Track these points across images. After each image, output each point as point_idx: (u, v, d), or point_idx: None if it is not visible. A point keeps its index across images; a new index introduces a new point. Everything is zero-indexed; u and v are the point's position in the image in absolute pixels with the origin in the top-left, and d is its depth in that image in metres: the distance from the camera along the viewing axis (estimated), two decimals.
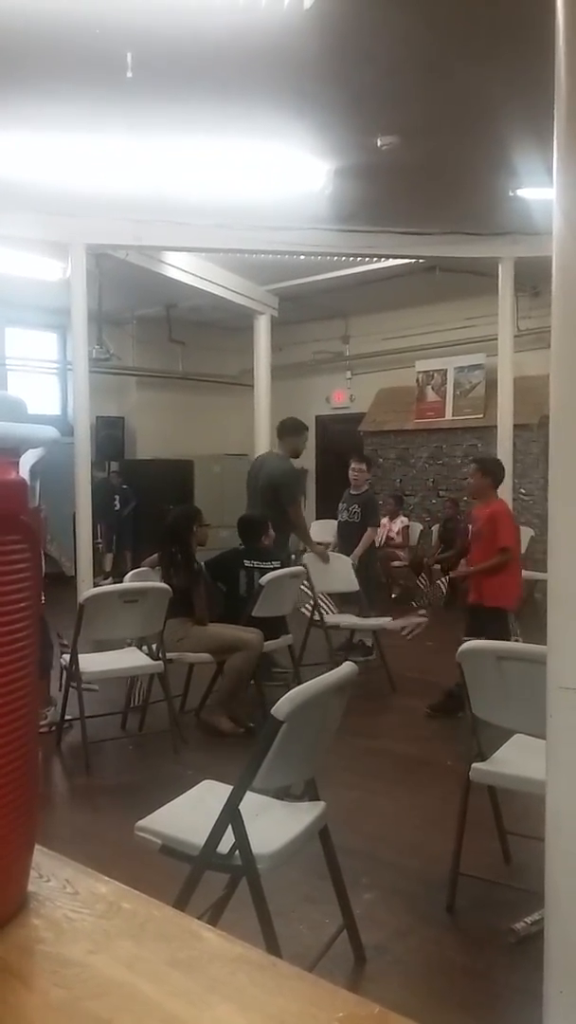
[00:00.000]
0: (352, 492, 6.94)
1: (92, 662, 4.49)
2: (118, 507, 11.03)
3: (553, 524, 1.88)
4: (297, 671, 5.25)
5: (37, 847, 0.79)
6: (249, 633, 4.80)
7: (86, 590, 5.36)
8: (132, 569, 5.73)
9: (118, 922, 0.72)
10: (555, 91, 1.86)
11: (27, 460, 0.68)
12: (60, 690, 4.47)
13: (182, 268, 8.75)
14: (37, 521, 0.71)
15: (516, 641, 4.73)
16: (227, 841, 2.14)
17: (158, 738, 4.62)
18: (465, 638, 5.10)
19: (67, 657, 4.35)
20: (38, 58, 4.27)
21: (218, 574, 5.24)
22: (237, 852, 2.13)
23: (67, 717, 4.53)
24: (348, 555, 6.33)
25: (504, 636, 4.76)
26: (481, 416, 9.93)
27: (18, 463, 0.68)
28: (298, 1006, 0.61)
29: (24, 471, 0.68)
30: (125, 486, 11.20)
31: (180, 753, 4.44)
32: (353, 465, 6.95)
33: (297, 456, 6.14)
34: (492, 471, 5.26)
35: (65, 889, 0.77)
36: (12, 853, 0.72)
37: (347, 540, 6.67)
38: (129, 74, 4.14)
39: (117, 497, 11.05)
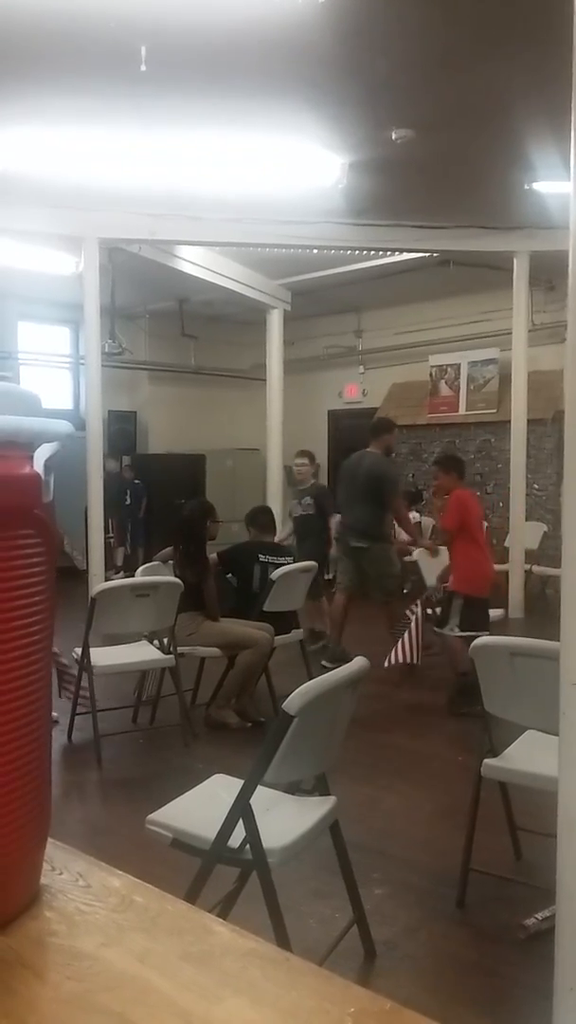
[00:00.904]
0: (300, 488, 7.01)
1: (104, 656, 4.51)
2: (129, 502, 11.05)
3: (567, 519, 1.87)
4: (308, 666, 5.25)
5: (50, 840, 0.79)
6: (260, 630, 4.80)
7: (98, 584, 5.37)
8: (144, 563, 5.75)
9: (130, 916, 0.72)
10: (573, 84, 1.85)
11: (42, 454, 0.68)
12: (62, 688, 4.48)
13: (195, 262, 8.76)
14: (51, 515, 0.71)
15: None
16: (238, 835, 2.15)
17: (169, 732, 4.64)
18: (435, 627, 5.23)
19: (78, 650, 4.37)
20: (51, 52, 4.27)
21: (231, 567, 5.24)
22: (248, 846, 2.14)
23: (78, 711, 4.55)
24: (307, 549, 6.40)
25: (467, 623, 4.90)
26: (495, 411, 9.89)
27: (33, 457, 0.67)
28: (310, 1001, 0.61)
29: (39, 465, 0.68)
30: (137, 481, 11.22)
31: (191, 747, 4.45)
32: (296, 460, 7.01)
33: (391, 453, 6.34)
34: (454, 467, 5.51)
35: (78, 882, 0.77)
36: (25, 846, 0.73)
37: (305, 534, 6.76)
38: (143, 67, 4.14)
39: (128, 492, 11.08)
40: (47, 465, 0.68)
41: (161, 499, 10.86)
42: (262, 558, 5.22)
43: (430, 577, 6.19)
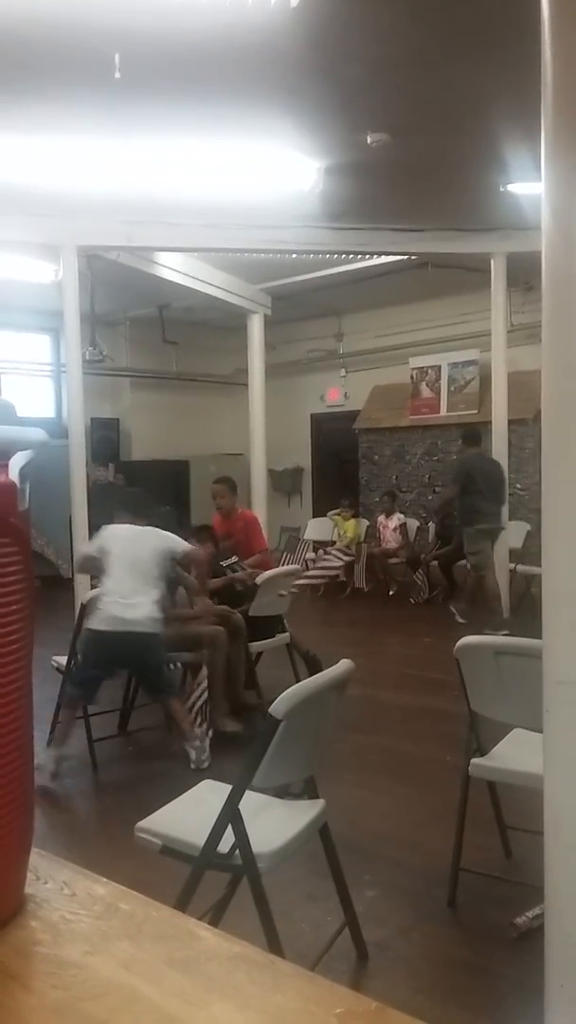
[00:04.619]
0: None
1: None
2: None
3: (546, 519, 1.88)
4: (295, 670, 5.24)
5: (34, 850, 0.79)
6: (209, 628, 4.66)
7: (84, 591, 5.35)
8: None
9: (116, 923, 0.72)
10: (541, 86, 1.86)
11: (16, 463, 0.67)
12: None
13: (174, 268, 8.74)
14: (27, 524, 0.71)
15: None
16: (227, 840, 2.14)
17: (157, 738, 4.62)
18: None
19: (57, 659, 4.35)
20: (26, 61, 4.26)
21: None
22: (237, 851, 2.13)
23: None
24: None
25: None
26: (476, 412, 9.94)
27: (7, 465, 0.67)
28: (296, 1003, 0.62)
29: (13, 473, 0.68)
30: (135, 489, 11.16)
31: (179, 753, 4.43)
32: None
33: None
34: (236, 488, 5.99)
35: (63, 891, 0.77)
36: (9, 856, 0.72)
37: None
38: (117, 75, 4.13)
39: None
40: (22, 473, 0.68)
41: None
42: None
43: None
